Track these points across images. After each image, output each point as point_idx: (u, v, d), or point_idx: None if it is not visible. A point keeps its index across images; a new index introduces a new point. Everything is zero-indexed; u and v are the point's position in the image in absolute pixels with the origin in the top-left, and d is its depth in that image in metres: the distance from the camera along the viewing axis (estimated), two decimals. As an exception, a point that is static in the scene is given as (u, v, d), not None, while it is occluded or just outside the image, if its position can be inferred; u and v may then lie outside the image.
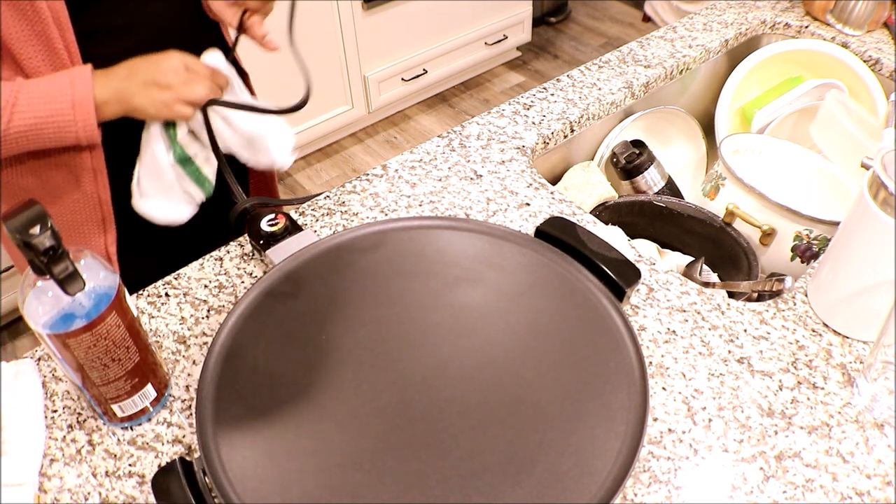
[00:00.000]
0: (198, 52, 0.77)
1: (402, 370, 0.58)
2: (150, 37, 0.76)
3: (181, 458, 0.51)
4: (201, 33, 0.83)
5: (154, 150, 0.74)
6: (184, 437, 0.61)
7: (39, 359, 0.67)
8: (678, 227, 0.97)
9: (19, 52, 0.67)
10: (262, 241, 0.72)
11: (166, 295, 0.73)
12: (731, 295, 0.76)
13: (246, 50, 0.89)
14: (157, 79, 0.70)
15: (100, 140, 0.72)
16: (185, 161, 0.76)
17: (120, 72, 0.70)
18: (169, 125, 0.74)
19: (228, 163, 0.77)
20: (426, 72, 2.40)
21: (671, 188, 1.06)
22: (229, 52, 0.82)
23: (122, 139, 0.77)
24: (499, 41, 2.54)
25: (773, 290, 0.78)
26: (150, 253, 0.87)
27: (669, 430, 0.61)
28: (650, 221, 0.99)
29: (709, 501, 0.56)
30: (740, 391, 0.63)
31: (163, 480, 0.50)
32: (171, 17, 0.79)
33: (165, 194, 0.76)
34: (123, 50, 0.72)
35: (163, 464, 0.57)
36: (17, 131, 0.66)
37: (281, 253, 0.69)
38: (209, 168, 0.79)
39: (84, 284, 0.50)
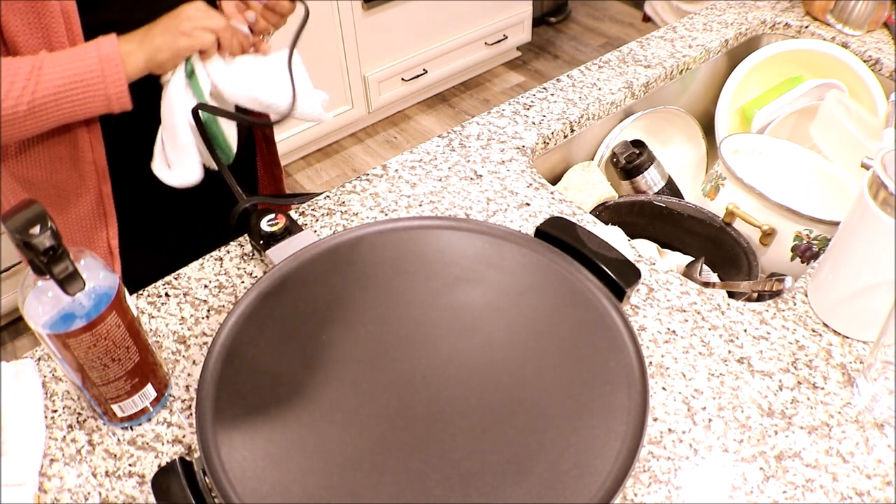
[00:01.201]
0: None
1: (402, 370, 0.58)
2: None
3: (181, 458, 0.51)
4: None
5: (173, 103, 0.72)
6: (184, 437, 0.61)
7: (39, 359, 0.67)
8: (678, 227, 0.97)
9: (25, 48, 0.67)
10: (262, 241, 0.72)
11: (166, 295, 0.73)
12: (731, 295, 0.76)
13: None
14: (178, 17, 0.70)
15: (129, 103, 0.70)
16: (206, 119, 0.73)
17: (142, 28, 0.70)
18: (191, 76, 0.72)
19: (236, 160, 0.77)
20: (426, 72, 2.40)
21: (671, 188, 1.06)
22: None
23: (124, 133, 0.77)
24: (499, 41, 2.54)
25: (773, 290, 0.78)
26: (151, 247, 0.87)
27: (669, 430, 0.61)
28: (650, 221, 0.99)
29: (709, 501, 0.56)
30: (740, 391, 0.63)
31: (163, 480, 0.50)
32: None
33: (182, 155, 0.74)
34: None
35: (163, 464, 0.57)
36: (45, 96, 0.65)
37: (281, 253, 0.69)
38: (231, 131, 0.77)
39: (84, 284, 0.50)
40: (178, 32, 0.70)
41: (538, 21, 2.94)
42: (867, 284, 0.65)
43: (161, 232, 0.91)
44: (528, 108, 1.00)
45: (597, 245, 0.67)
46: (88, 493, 0.57)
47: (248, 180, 1.02)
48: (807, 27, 1.19)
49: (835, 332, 0.69)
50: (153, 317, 0.71)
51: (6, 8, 0.65)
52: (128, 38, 0.69)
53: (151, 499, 0.52)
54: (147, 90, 0.75)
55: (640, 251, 0.79)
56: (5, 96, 0.64)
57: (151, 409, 0.61)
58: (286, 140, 2.16)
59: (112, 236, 0.82)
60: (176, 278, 0.75)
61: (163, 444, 0.60)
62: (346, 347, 0.60)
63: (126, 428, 0.61)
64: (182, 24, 0.70)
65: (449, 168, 0.89)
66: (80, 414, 0.63)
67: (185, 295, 0.73)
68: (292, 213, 0.82)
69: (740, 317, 0.70)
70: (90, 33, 0.69)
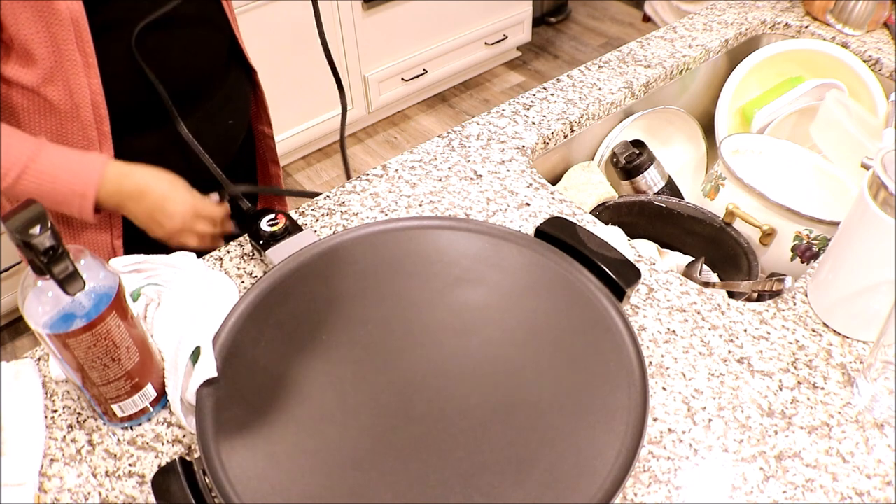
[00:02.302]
0: (209, 42, 0.79)
1: (402, 370, 0.58)
2: (162, 28, 0.76)
3: (181, 458, 0.51)
4: (211, 21, 0.83)
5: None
6: (184, 437, 0.61)
7: (39, 359, 0.67)
8: (678, 227, 0.97)
9: (33, 51, 0.67)
10: (262, 241, 0.72)
11: (166, 295, 0.73)
12: (731, 295, 0.76)
13: (253, 47, 0.89)
14: (162, 219, 0.76)
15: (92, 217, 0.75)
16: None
17: (132, 188, 0.74)
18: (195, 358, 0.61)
19: (235, 158, 0.78)
20: (426, 72, 2.40)
21: (671, 188, 1.06)
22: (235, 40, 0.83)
23: (130, 134, 0.77)
24: (499, 41, 2.54)
25: (773, 290, 0.78)
26: (153, 248, 0.87)
27: (669, 430, 0.61)
28: (650, 221, 0.99)
29: (709, 501, 0.56)
30: (740, 391, 0.63)
31: (163, 480, 0.50)
32: (186, 15, 0.79)
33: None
34: (135, 42, 0.73)
35: (163, 464, 0.57)
36: (20, 191, 0.70)
37: (281, 253, 0.69)
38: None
39: (84, 284, 0.50)
40: (158, 233, 0.77)
41: (538, 21, 2.94)
42: (867, 284, 0.65)
43: None
44: (528, 108, 1.00)
45: (597, 245, 0.67)
46: (88, 493, 0.57)
47: (248, 179, 1.02)
48: (807, 27, 1.19)
49: (835, 332, 0.69)
50: (153, 317, 0.71)
51: (14, 13, 0.65)
52: (112, 192, 0.73)
53: (151, 499, 0.52)
54: (152, 99, 0.75)
55: (640, 251, 0.79)
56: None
57: (151, 409, 0.61)
58: (286, 140, 2.16)
59: (116, 237, 0.82)
60: (176, 278, 0.75)
61: (163, 444, 0.60)
62: (346, 347, 0.60)
63: (126, 428, 0.61)
64: (159, 232, 0.76)
65: (449, 168, 0.89)
66: (80, 414, 0.63)
67: (185, 295, 0.73)
68: (292, 213, 0.82)
69: (740, 317, 0.70)
70: (96, 33, 0.70)
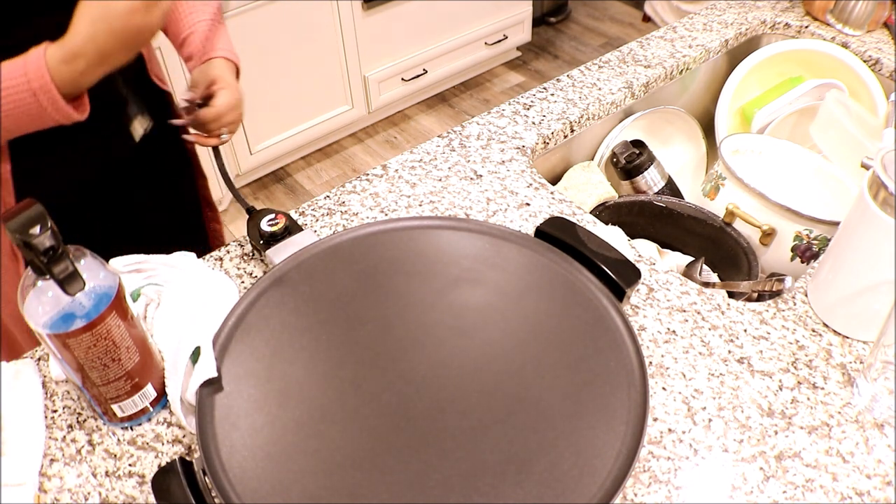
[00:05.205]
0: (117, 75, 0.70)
1: (402, 370, 0.58)
2: None
3: (181, 458, 0.51)
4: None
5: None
6: (184, 437, 0.61)
7: (39, 359, 0.67)
8: (678, 227, 0.97)
9: None
10: (262, 241, 0.72)
11: (166, 295, 0.73)
12: (731, 295, 0.76)
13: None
14: (128, 28, 0.60)
15: (86, 112, 0.64)
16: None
17: (88, 58, 0.60)
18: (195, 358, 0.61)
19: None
20: (426, 72, 2.40)
21: (671, 188, 1.06)
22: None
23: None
24: (499, 41, 2.54)
25: (773, 290, 0.78)
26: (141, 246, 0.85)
27: (669, 430, 0.61)
28: (650, 221, 0.99)
29: (709, 501, 0.56)
30: (740, 391, 0.63)
31: (163, 480, 0.50)
32: None
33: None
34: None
35: (163, 464, 0.57)
36: None
37: (281, 253, 0.69)
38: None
39: (84, 284, 0.50)
40: (131, 37, 0.61)
41: (538, 21, 2.94)
42: (867, 284, 0.65)
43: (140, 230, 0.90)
44: (528, 108, 1.00)
45: (597, 245, 0.67)
46: (88, 493, 0.57)
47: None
48: (807, 27, 1.19)
49: (835, 332, 0.69)
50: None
51: None
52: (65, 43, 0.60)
53: (151, 499, 0.52)
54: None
55: (640, 251, 0.79)
56: None
57: (151, 409, 0.61)
58: (286, 140, 2.16)
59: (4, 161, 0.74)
60: (176, 278, 0.75)
61: (163, 444, 0.60)
62: (347, 347, 0.60)
63: (126, 428, 0.61)
64: (131, 27, 0.60)
65: (449, 168, 0.89)
66: (80, 414, 0.63)
67: (185, 295, 0.73)
68: (292, 213, 0.82)
69: (740, 317, 0.70)
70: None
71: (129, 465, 0.59)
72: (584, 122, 1.00)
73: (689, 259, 0.95)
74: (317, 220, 0.82)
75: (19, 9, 0.67)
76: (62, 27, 0.61)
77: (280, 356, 0.59)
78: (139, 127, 0.82)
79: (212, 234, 1.05)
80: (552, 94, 1.02)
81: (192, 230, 1.03)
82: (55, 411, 0.63)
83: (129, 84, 0.80)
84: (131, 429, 0.61)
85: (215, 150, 0.82)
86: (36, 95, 0.60)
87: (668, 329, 0.69)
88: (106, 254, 0.63)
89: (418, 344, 0.60)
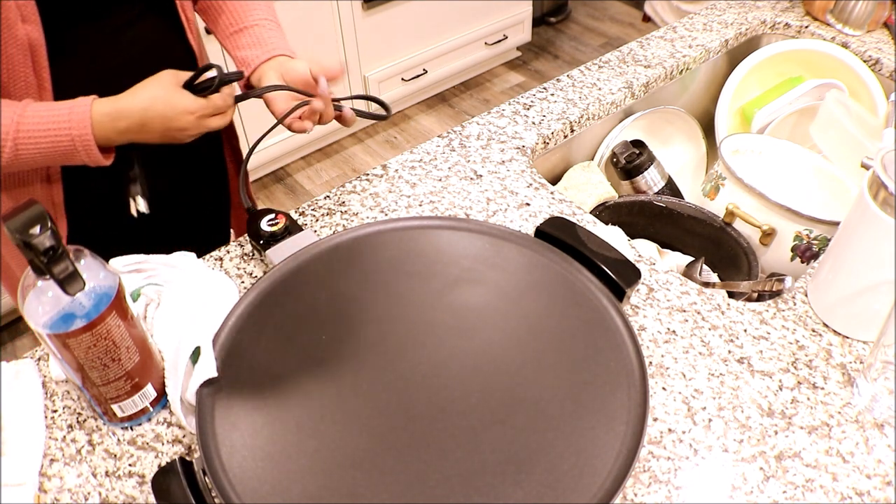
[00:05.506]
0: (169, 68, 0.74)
1: (402, 370, 0.58)
2: (121, 53, 0.75)
3: (181, 458, 0.51)
4: (171, 48, 0.81)
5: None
6: (184, 437, 0.61)
7: (39, 359, 0.67)
8: (678, 227, 0.97)
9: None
10: (262, 241, 0.72)
11: (166, 295, 0.73)
12: (731, 295, 0.76)
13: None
14: (177, 136, 0.70)
15: (101, 158, 0.69)
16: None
17: (128, 125, 0.68)
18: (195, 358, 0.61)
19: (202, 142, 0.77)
20: (426, 72, 2.40)
21: (671, 188, 1.06)
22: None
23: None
24: (499, 41, 2.54)
25: (773, 290, 0.78)
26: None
27: (669, 430, 0.61)
28: (650, 221, 0.99)
29: (709, 501, 0.56)
30: (740, 391, 0.63)
31: (163, 480, 0.50)
32: (146, 43, 0.78)
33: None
34: (94, 72, 0.72)
35: (163, 464, 0.57)
36: (25, 157, 0.66)
37: (281, 253, 0.69)
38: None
39: (84, 284, 0.50)
40: (178, 139, 0.71)
41: (538, 21, 2.94)
42: (867, 284, 0.65)
43: (163, 233, 0.91)
44: (528, 108, 1.00)
45: (597, 245, 0.67)
46: (88, 493, 0.57)
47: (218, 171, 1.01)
48: (807, 27, 1.19)
49: (835, 332, 0.69)
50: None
51: None
52: (112, 128, 0.68)
53: (151, 499, 0.52)
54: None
55: (640, 251, 0.79)
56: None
57: (151, 409, 0.61)
58: (286, 140, 2.16)
59: (56, 192, 0.79)
60: (176, 278, 0.75)
61: (163, 444, 0.60)
62: (346, 347, 0.60)
63: (126, 428, 0.61)
64: (176, 134, 0.70)
65: (449, 168, 0.89)
66: (80, 414, 0.63)
67: (185, 295, 0.73)
68: (292, 213, 0.82)
69: (740, 317, 0.70)
70: (54, 57, 0.68)
71: (129, 465, 0.59)
72: (584, 122, 1.00)
73: (689, 259, 0.95)
74: (317, 220, 0.82)
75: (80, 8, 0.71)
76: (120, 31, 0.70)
77: (280, 356, 0.59)
78: (137, 206, 0.83)
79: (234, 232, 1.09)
80: (552, 94, 1.02)
81: (217, 230, 1.06)
82: (55, 411, 0.63)
83: (139, 165, 0.82)
84: (131, 429, 0.61)
85: (240, 156, 0.82)
86: (73, 141, 0.67)
87: (668, 329, 0.69)
88: (146, 250, 0.70)
89: (418, 344, 0.60)
